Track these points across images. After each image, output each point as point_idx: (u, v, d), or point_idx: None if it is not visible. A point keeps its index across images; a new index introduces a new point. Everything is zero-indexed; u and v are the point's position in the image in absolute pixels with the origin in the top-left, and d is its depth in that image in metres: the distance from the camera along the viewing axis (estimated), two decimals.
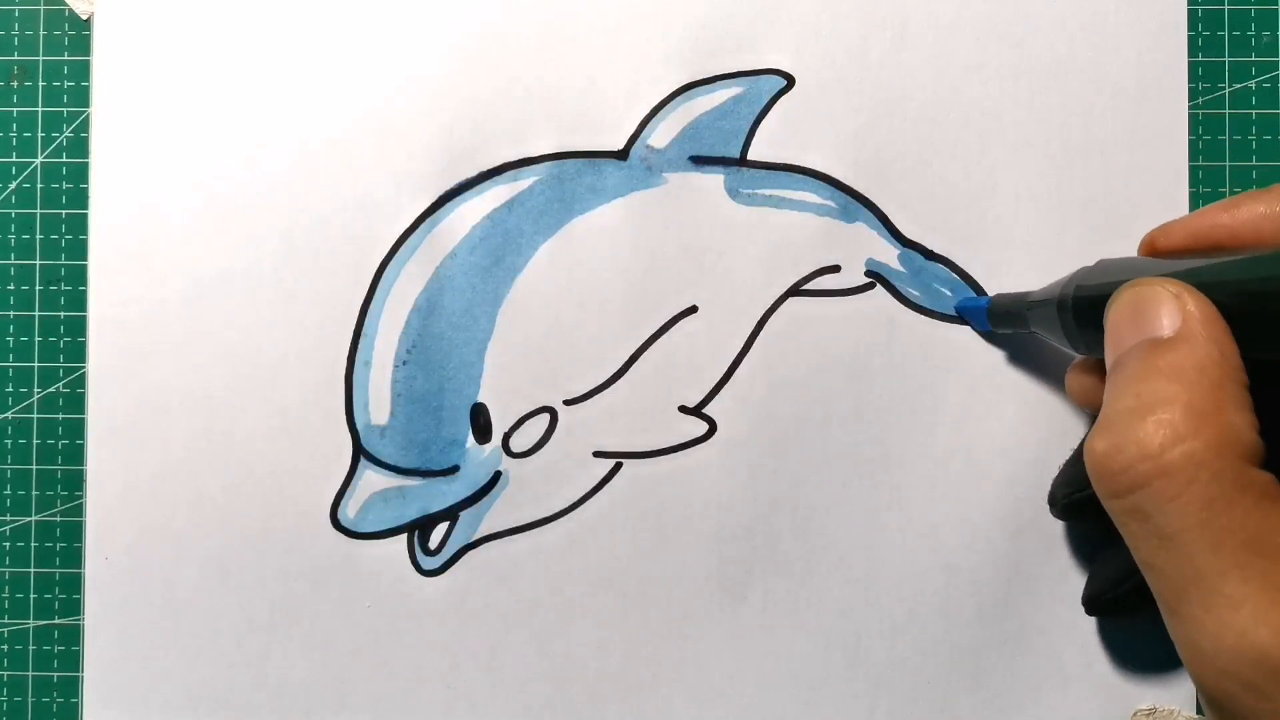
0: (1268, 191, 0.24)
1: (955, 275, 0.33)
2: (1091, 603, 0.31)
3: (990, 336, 0.32)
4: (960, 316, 0.32)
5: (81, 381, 0.33)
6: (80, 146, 0.33)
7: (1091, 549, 0.32)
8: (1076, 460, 0.31)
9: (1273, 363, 0.22)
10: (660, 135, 0.33)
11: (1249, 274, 0.22)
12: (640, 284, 0.33)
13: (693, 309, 0.33)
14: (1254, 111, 0.33)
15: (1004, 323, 0.31)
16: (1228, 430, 0.20)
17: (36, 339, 0.33)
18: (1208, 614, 0.19)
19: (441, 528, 0.33)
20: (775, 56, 0.33)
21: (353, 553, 0.33)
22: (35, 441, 0.33)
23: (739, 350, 0.33)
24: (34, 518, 0.33)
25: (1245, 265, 0.22)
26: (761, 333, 0.33)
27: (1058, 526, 0.32)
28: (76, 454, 0.33)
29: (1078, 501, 0.30)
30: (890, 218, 0.33)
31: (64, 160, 0.33)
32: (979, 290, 0.32)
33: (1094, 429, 0.22)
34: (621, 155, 0.33)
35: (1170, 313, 0.22)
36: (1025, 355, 0.32)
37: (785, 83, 0.33)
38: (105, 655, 0.33)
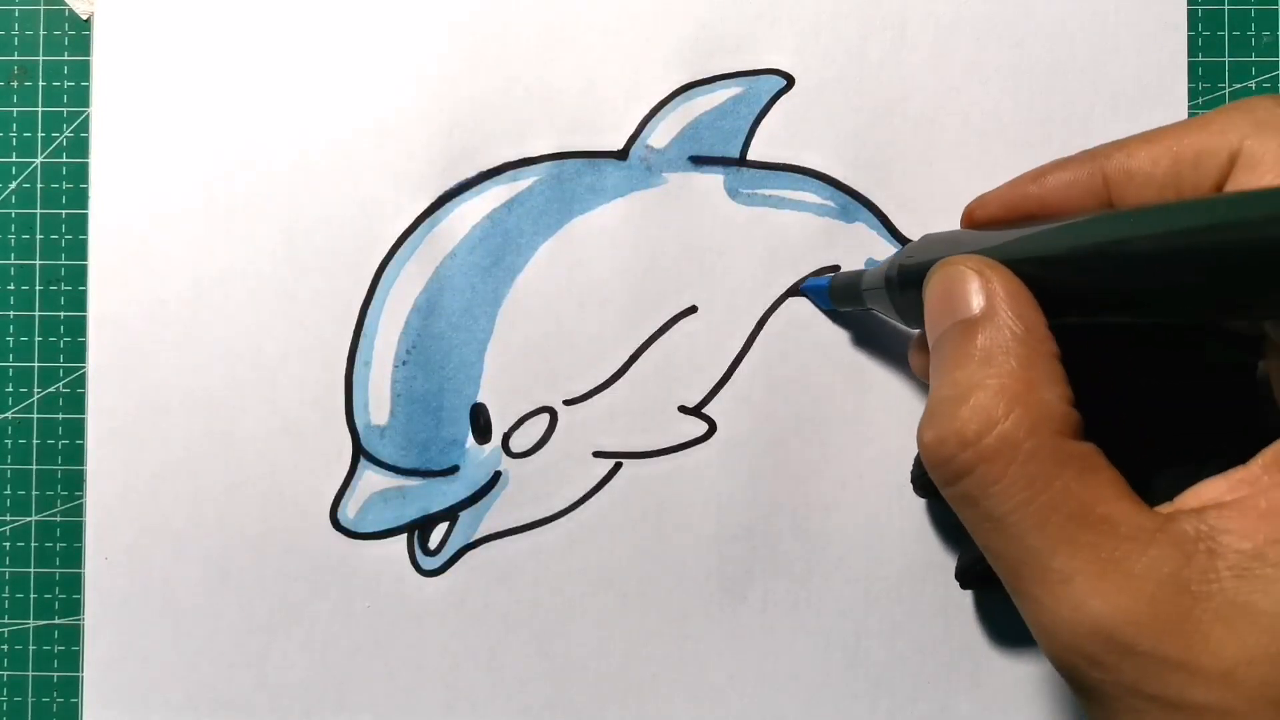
0: (1073, 159, 0.24)
1: None
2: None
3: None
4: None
5: (81, 381, 0.33)
6: (80, 146, 0.33)
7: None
8: None
9: (1086, 328, 0.22)
10: (660, 135, 0.33)
11: (1053, 244, 0.22)
12: (640, 284, 0.33)
13: (693, 309, 0.33)
14: None
15: (844, 301, 0.31)
16: (1039, 408, 0.20)
17: (36, 339, 0.33)
18: (1044, 591, 0.19)
19: (441, 528, 0.33)
20: (775, 56, 0.33)
21: (352, 553, 0.33)
22: (35, 441, 0.33)
23: (739, 350, 0.33)
24: (34, 518, 0.33)
25: (1049, 235, 0.22)
26: (761, 333, 0.33)
27: None
28: (76, 454, 0.33)
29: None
30: (890, 218, 0.33)
31: (64, 160, 0.33)
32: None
33: (922, 418, 0.22)
34: (621, 155, 0.33)
35: (976, 291, 0.22)
36: None
37: (785, 83, 0.33)
38: (105, 655, 0.33)
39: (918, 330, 0.28)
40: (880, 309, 0.28)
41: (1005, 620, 0.32)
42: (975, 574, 0.31)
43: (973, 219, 0.26)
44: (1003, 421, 0.20)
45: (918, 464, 0.32)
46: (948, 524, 0.32)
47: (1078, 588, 0.19)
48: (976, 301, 0.21)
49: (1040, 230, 0.22)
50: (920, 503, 0.32)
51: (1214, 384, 0.24)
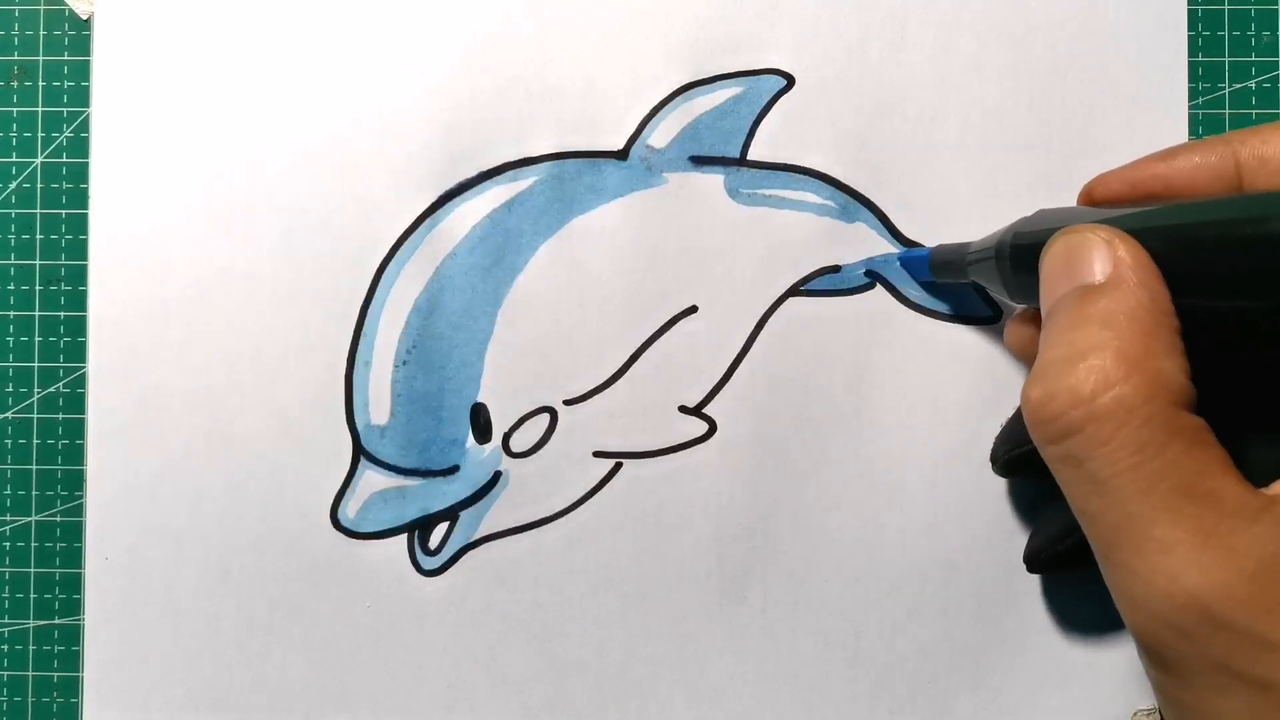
0: (1204, 142, 0.24)
1: None
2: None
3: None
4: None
5: (81, 381, 0.33)
6: (80, 146, 0.33)
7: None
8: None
9: (1206, 309, 0.22)
10: (660, 135, 0.33)
11: (1181, 220, 0.22)
12: (640, 284, 0.33)
13: (693, 309, 0.33)
14: (1254, 111, 0.33)
15: (946, 273, 0.31)
16: (1158, 375, 0.20)
17: (36, 339, 0.33)
18: (1140, 559, 0.19)
19: (441, 528, 0.33)
20: (775, 56, 0.33)
21: (353, 553, 0.33)
22: (35, 441, 0.33)
23: (739, 350, 0.33)
24: (34, 518, 0.33)
25: (1177, 212, 0.22)
26: (761, 333, 0.33)
27: None
28: (76, 454, 0.33)
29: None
30: (890, 218, 0.33)
31: (64, 160, 0.33)
32: (982, 295, 0.32)
33: (1030, 377, 0.22)
34: (621, 155, 0.33)
35: (1102, 258, 0.21)
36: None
37: (785, 83, 0.33)
38: (105, 655, 0.33)
39: (1021, 305, 0.27)
40: (985, 281, 0.28)
41: (1005, 620, 0.32)
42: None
43: (1092, 197, 0.26)
44: (1121, 384, 0.20)
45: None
46: (949, 524, 0.32)
47: (1177, 558, 0.19)
48: (1101, 268, 0.21)
49: (1167, 207, 0.22)
50: (921, 502, 0.32)
51: None
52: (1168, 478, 0.19)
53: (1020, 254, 0.26)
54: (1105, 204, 0.26)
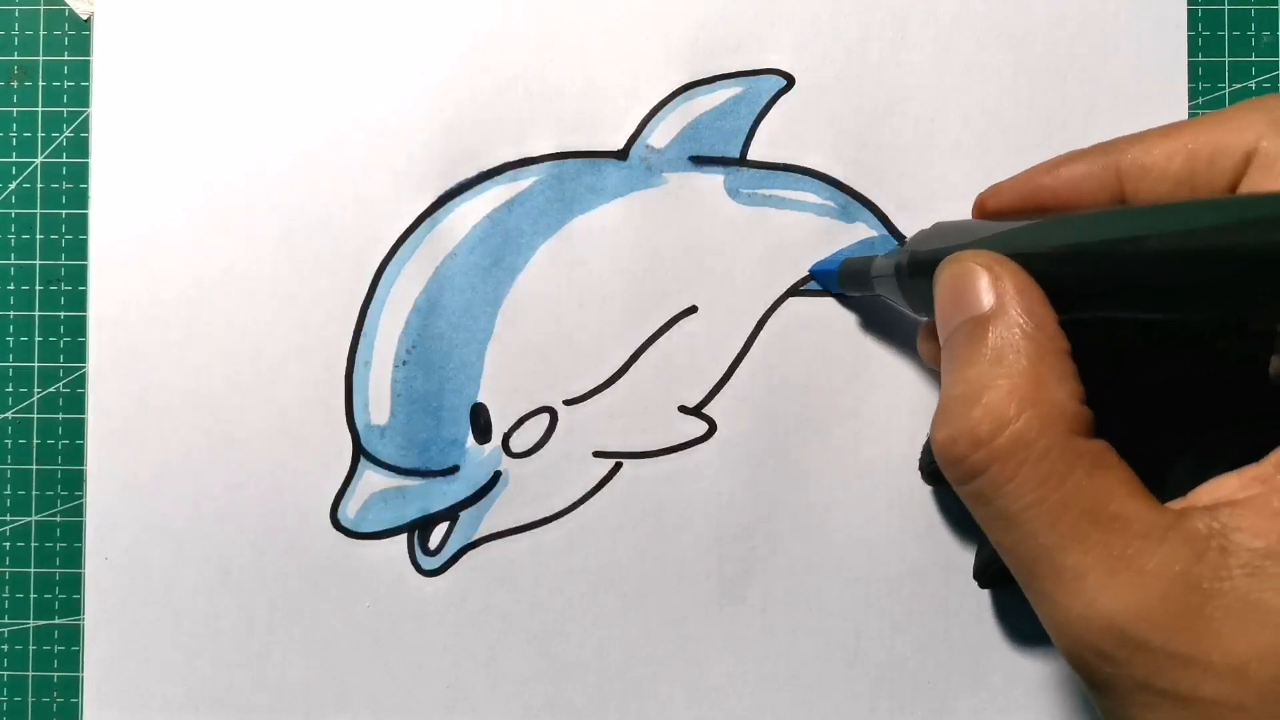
0: (1088, 151, 0.24)
1: None
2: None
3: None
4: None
5: (81, 381, 0.33)
6: (80, 146, 0.33)
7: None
8: None
9: (1098, 322, 0.22)
10: (660, 135, 0.33)
11: (1065, 238, 0.22)
12: (640, 284, 0.33)
13: (693, 309, 0.33)
14: None
15: (853, 285, 0.31)
16: (1050, 406, 0.20)
17: (36, 339, 0.33)
18: (1056, 588, 0.20)
19: (441, 528, 0.33)
20: (775, 56, 0.33)
21: (353, 553, 0.33)
22: (35, 441, 0.33)
23: (739, 350, 0.33)
24: (34, 518, 0.33)
25: (1062, 228, 0.22)
26: (761, 333, 0.33)
27: None
28: (76, 454, 0.33)
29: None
30: (890, 218, 0.33)
31: (64, 160, 0.33)
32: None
33: (935, 417, 0.22)
34: (621, 155, 0.33)
35: (985, 288, 0.22)
36: None
37: (785, 83, 0.33)
38: (105, 655, 0.33)
39: (926, 318, 0.27)
40: (889, 296, 0.28)
41: (1005, 620, 0.32)
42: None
43: (984, 209, 0.26)
44: (1015, 421, 0.20)
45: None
46: (949, 523, 0.32)
47: (1090, 584, 0.19)
48: (987, 299, 0.21)
49: (1052, 222, 0.22)
50: (921, 502, 0.32)
51: (1227, 379, 0.24)
52: (1073, 506, 0.19)
53: (917, 272, 0.26)
54: (996, 215, 0.26)
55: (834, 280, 0.32)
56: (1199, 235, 0.19)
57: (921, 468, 0.32)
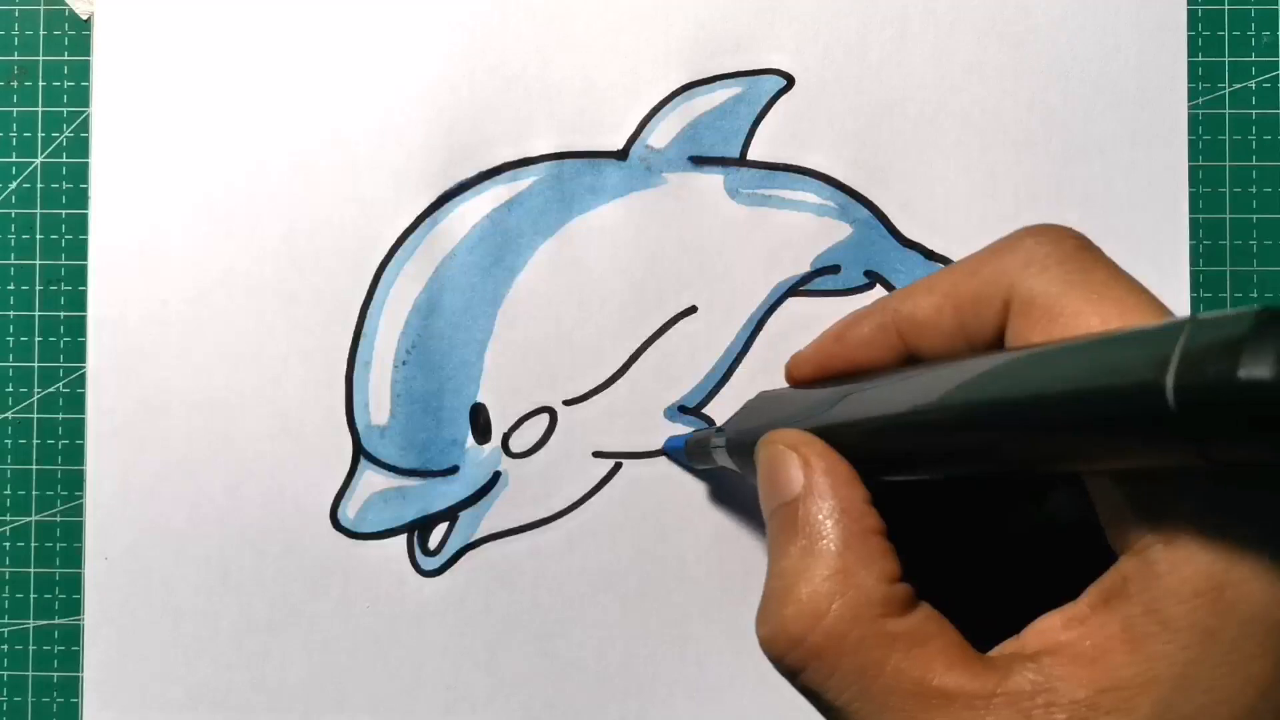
0: (868, 311, 0.24)
1: None
2: None
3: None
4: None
5: (81, 381, 0.33)
6: (80, 146, 0.33)
7: None
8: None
9: (914, 486, 0.22)
10: (660, 135, 0.33)
11: (855, 411, 0.22)
12: (640, 284, 0.33)
13: (692, 309, 0.33)
14: (1254, 111, 0.33)
15: (699, 460, 0.31)
16: (859, 594, 0.20)
17: (36, 339, 0.34)
18: None
19: (441, 528, 0.33)
20: (775, 56, 0.33)
21: (352, 553, 0.33)
22: (35, 441, 0.33)
23: (738, 351, 0.33)
24: (34, 518, 0.33)
25: (853, 402, 0.22)
26: (761, 333, 0.33)
27: None
28: (76, 454, 0.33)
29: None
30: (890, 218, 0.33)
31: (64, 160, 0.34)
32: None
33: (758, 611, 0.22)
34: (621, 155, 0.33)
35: (794, 471, 0.22)
36: None
37: (785, 83, 0.33)
38: (105, 655, 0.33)
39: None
40: (734, 469, 0.28)
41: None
42: None
43: (792, 379, 0.26)
44: (825, 615, 0.20)
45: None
46: None
47: None
48: (796, 482, 0.21)
49: (846, 394, 0.22)
50: None
51: (1057, 531, 0.24)
52: (895, 691, 0.19)
53: (740, 451, 0.25)
54: (805, 386, 0.25)
55: (683, 456, 0.31)
56: (965, 405, 0.19)
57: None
